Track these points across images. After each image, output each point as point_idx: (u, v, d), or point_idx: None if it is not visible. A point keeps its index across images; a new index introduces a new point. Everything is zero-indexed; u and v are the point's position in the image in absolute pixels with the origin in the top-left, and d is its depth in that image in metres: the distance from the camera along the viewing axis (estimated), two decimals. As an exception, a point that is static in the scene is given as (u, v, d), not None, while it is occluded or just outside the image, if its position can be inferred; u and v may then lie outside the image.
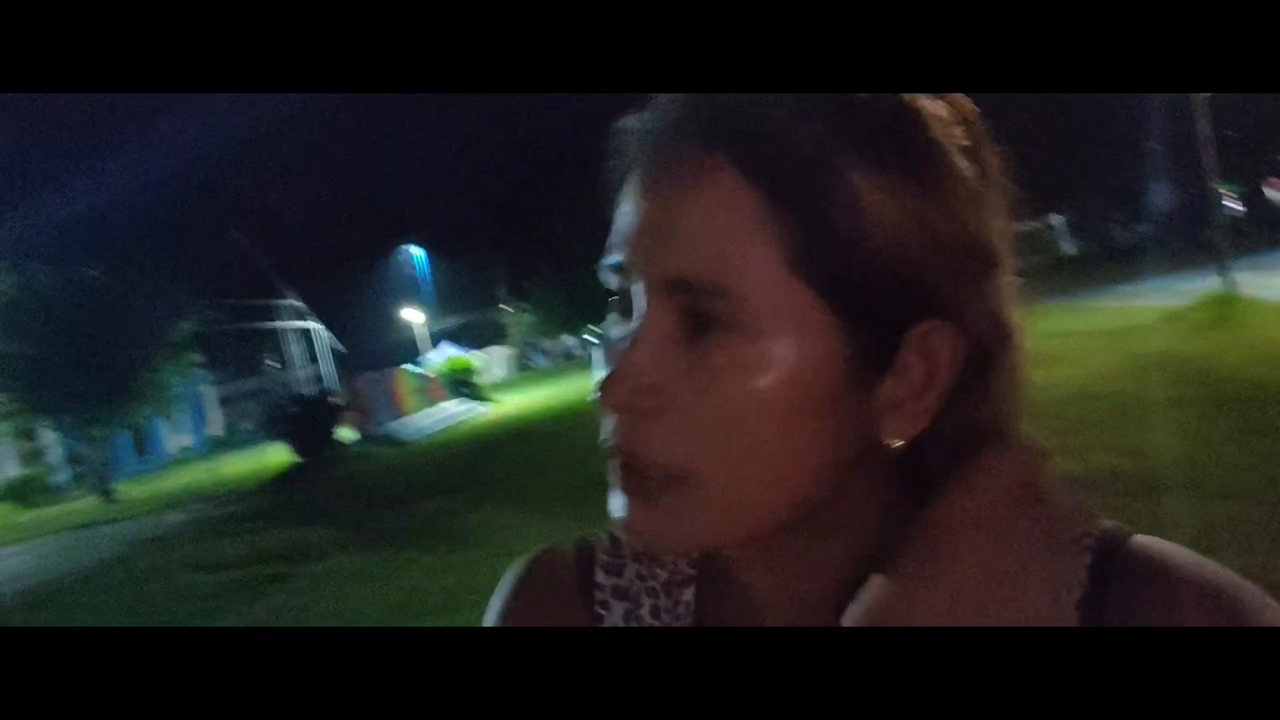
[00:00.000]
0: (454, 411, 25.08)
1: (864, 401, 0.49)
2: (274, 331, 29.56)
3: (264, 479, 18.01)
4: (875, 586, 0.50)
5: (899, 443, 0.50)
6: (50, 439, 29.89)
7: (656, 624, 0.60)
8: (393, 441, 20.30)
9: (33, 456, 31.70)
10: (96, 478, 22.50)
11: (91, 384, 20.62)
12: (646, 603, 0.61)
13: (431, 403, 25.70)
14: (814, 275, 0.47)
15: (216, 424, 43.33)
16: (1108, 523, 0.52)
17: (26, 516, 22.29)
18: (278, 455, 19.67)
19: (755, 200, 0.47)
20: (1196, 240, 19.44)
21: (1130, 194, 35.11)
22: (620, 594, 0.62)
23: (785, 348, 0.47)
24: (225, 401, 45.90)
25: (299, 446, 18.74)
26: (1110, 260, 29.68)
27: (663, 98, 0.52)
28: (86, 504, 21.79)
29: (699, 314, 0.48)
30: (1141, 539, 0.52)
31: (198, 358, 24.90)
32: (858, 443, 0.50)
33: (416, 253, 51.94)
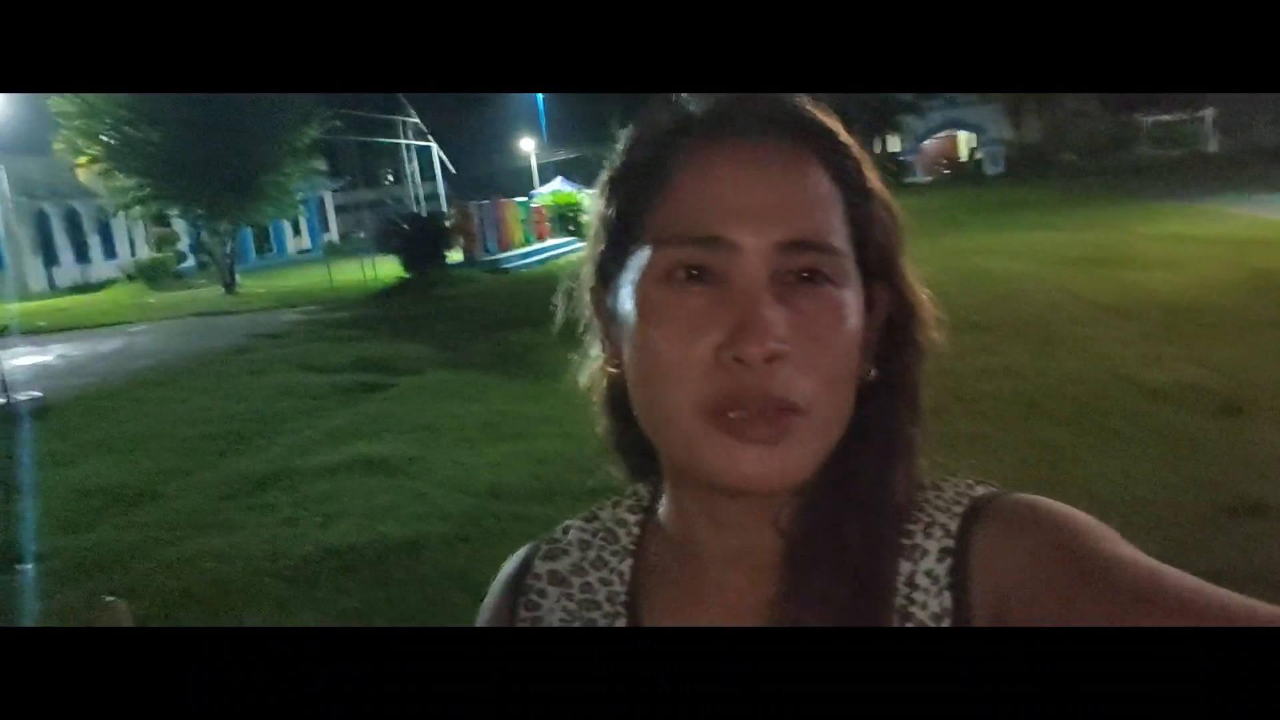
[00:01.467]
0: (558, 246, 25.36)
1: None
2: (394, 147, 29.95)
3: (373, 289, 18.76)
4: (790, 568, 0.61)
5: (873, 370, 0.62)
6: (180, 227, 31.40)
7: (589, 599, 0.68)
8: (496, 268, 20.77)
9: (163, 241, 33.49)
10: (220, 268, 23.71)
11: (220, 178, 21.42)
12: (576, 582, 0.69)
13: (538, 235, 26.01)
14: (856, 240, 0.61)
15: (333, 230, 44.77)
16: (980, 490, 0.62)
17: (155, 297, 23.76)
18: (387, 267, 20.37)
19: (833, 186, 0.60)
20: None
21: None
22: (556, 579, 0.70)
23: (856, 297, 0.59)
24: (343, 209, 47.19)
25: (409, 262, 19.33)
26: (1253, 163, 27.57)
27: (720, 99, 0.62)
28: (209, 292, 23.11)
29: (808, 270, 0.57)
30: (1006, 498, 0.60)
31: (320, 164, 25.47)
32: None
33: (537, 80, 51.01)
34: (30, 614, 4.41)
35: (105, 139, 21.44)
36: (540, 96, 51.18)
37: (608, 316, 0.65)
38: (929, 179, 44.31)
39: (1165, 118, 41.59)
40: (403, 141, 28.98)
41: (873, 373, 0.62)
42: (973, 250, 13.70)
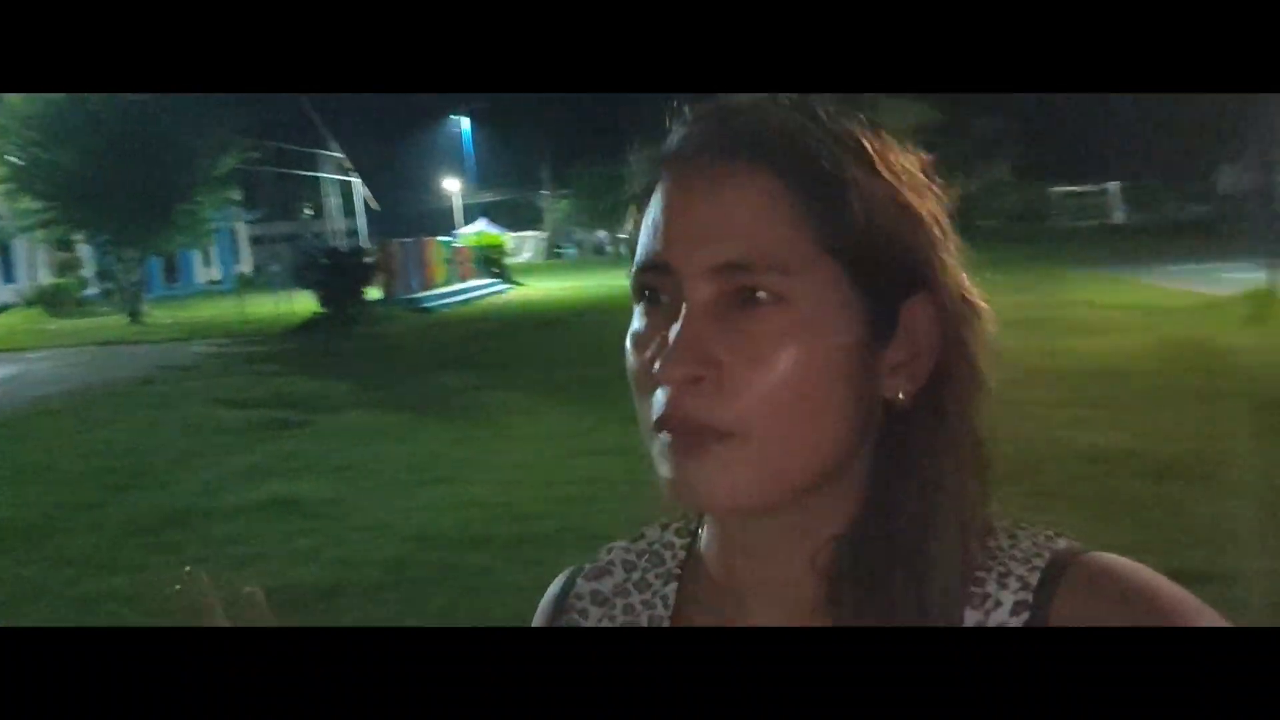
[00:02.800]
0: (479, 287, 25.18)
1: (872, 368, 0.58)
2: (314, 180, 29.47)
3: (288, 324, 18.27)
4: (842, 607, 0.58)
5: (903, 397, 0.58)
6: (85, 252, 30.26)
7: (631, 621, 0.67)
8: (417, 308, 20.48)
9: (66, 267, 32.16)
10: (126, 297, 22.86)
11: (130, 205, 20.77)
12: (619, 603, 0.69)
13: (460, 276, 25.80)
14: (838, 251, 0.56)
15: (246, 262, 43.73)
16: (1062, 543, 0.58)
17: (55, 324, 22.75)
18: (303, 303, 19.92)
19: (789, 195, 0.56)
20: (1251, 231, 19.02)
21: (1190, 171, 34.13)
22: (599, 599, 0.70)
23: (821, 317, 0.56)
24: (257, 241, 46.17)
25: (326, 298, 18.95)
26: (1160, 236, 29.07)
27: (687, 124, 0.61)
28: (113, 321, 22.21)
29: (749, 289, 0.55)
30: (1091, 556, 0.57)
31: (236, 194, 24.96)
32: (869, 406, 0.58)
33: (463, 123, 51.32)
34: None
35: (12, 159, 20.61)
36: (468, 136, 51.20)
37: None
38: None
39: (1074, 189, 43.74)
40: (324, 175, 28.55)
41: (906, 399, 0.58)
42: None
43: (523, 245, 43.87)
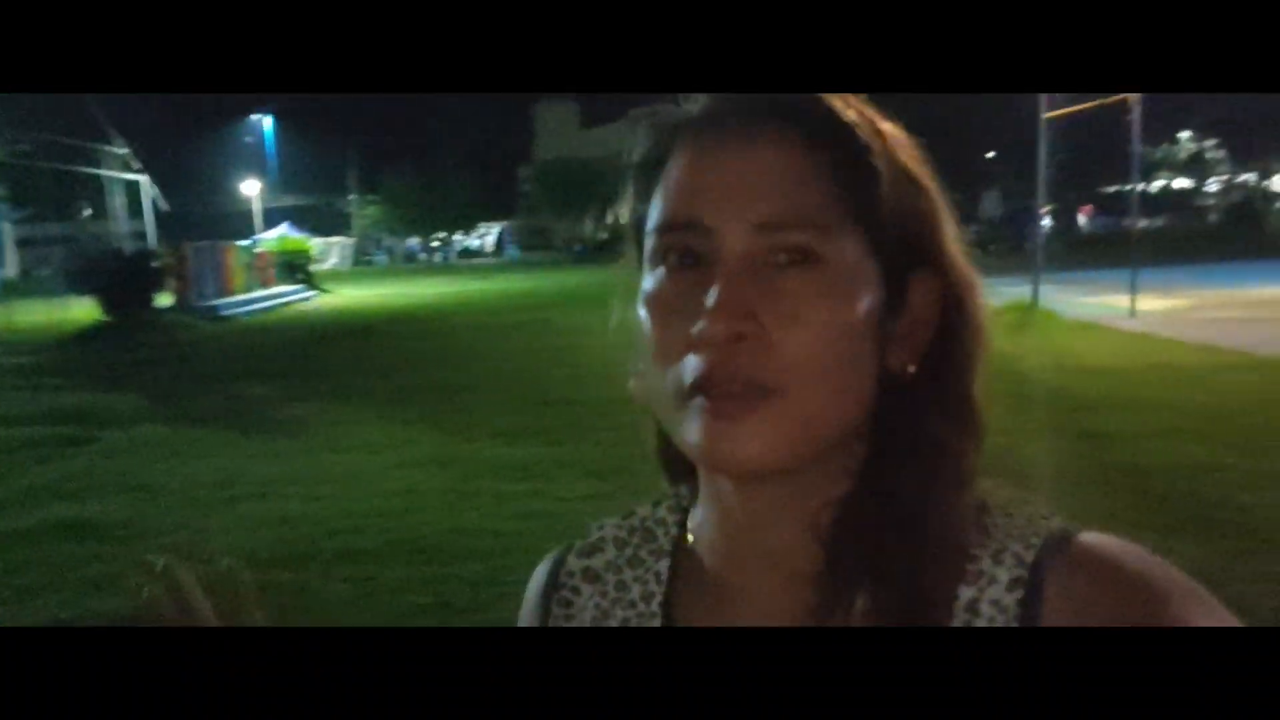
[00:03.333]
0: (283, 294, 24.05)
1: (884, 335, 0.60)
2: (95, 178, 27.25)
3: (64, 333, 16.80)
4: (838, 580, 0.59)
5: (911, 368, 0.61)
6: None
7: (623, 597, 0.68)
8: (214, 316, 19.33)
9: None
10: None
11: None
12: (612, 580, 0.69)
13: (262, 282, 24.55)
14: (864, 219, 0.59)
15: (12, 265, 39.85)
16: (1057, 523, 0.59)
17: None
18: (81, 309, 18.37)
19: (822, 160, 0.58)
20: (1017, 248, 20.78)
21: (963, 193, 36.95)
22: (590, 576, 0.70)
23: (850, 280, 0.58)
24: (25, 243, 42.19)
25: (110, 305, 17.56)
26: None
27: (709, 95, 0.62)
28: None
29: (788, 249, 0.57)
30: (1086, 536, 0.58)
31: (1, 190, 22.73)
32: (880, 372, 0.60)
33: (265, 122, 48.87)
34: None
35: None
36: (270, 136, 48.78)
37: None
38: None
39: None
40: (106, 173, 26.47)
41: (910, 369, 0.61)
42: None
43: (330, 251, 42.22)
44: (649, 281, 0.61)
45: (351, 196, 45.00)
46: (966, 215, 0.67)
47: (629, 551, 0.70)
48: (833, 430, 0.59)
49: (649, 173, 0.63)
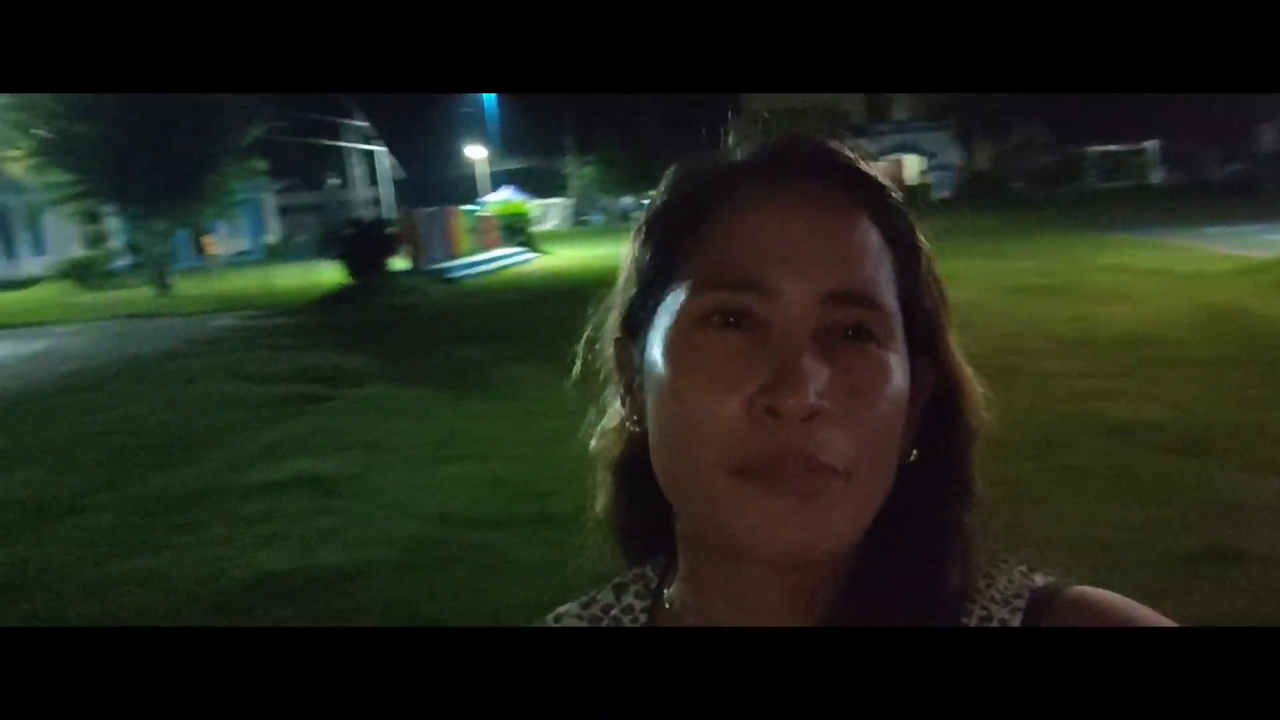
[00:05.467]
0: (505, 256, 25.13)
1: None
2: (339, 150, 29.47)
3: (313, 296, 18.35)
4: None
5: (914, 455, 0.59)
6: (114, 225, 30.50)
7: None
8: (442, 278, 20.50)
9: (95, 239, 32.47)
10: (154, 269, 23.03)
11: (157, 176, 20.86)
12: None
13: (485, 245, 25.77)
14: (904, 300, 0.58)
15: (274, 232, 43.94)
16: (1039, 580, 0.59)
17: (84, 297, 23.00)
18: (330, 274, 19.97)
19: (883, 242, 0.57)
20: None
21: (1229, 130, 33.31)
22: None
23: (902, 362, 0.56)
24: (284, 212, 46.38)
25: (353, 269, 18.99)
26: (1197, 197, 28.45)
27: (752, 141, 0.61)
28: (142, 294, 22.41)
29: (854, 325, 0.54)
30: (1070, 591, 0.57)
31: (262, 165, 25.03)
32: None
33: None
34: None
35: (39, 133, 20.72)
36: (492, 103, 51.00)
37: (633, 369, 0.62)
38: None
39: (1112, 148, 42.80)
40: (348, 145, 28.54)
41: (914, 454, 0.59)
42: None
43: (548, 213, 43.77)
44: (683, 339, 0.55)
45: (568, 157, 46.34)
46: (1234, 151, 0.57)
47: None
48: (873, 515, 0.56)
49: (682, 219, 0.59)
